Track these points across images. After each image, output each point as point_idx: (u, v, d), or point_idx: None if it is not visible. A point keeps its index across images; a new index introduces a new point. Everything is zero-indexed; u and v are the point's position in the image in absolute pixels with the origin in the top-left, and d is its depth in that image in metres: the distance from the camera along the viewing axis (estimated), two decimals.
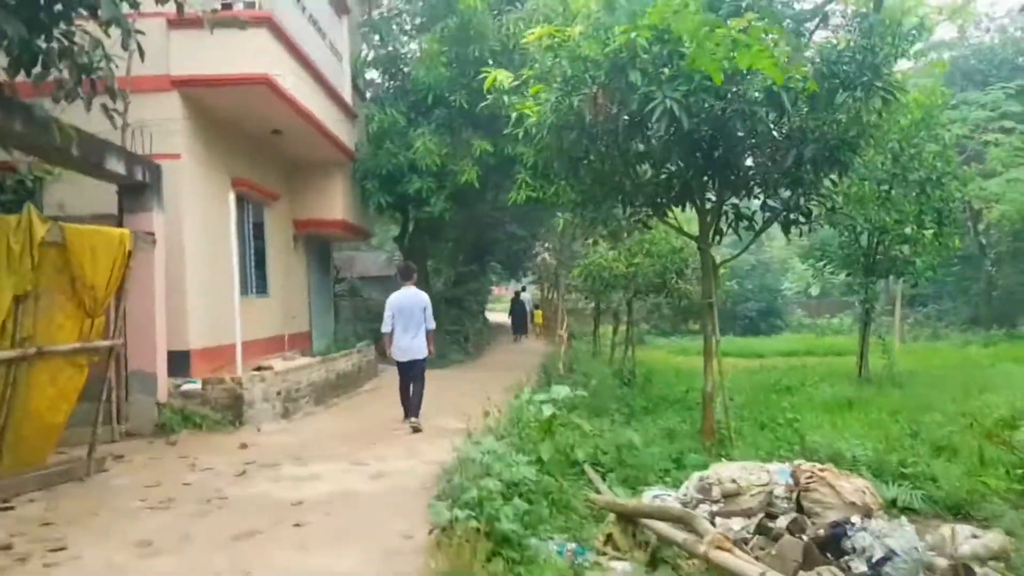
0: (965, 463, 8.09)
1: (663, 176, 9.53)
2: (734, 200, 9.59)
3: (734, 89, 7.46)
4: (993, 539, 5.24)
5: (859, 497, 5.51)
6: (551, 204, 12.04)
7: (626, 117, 8.00)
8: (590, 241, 13.00)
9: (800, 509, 5.75)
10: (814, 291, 40.90)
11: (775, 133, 8.48)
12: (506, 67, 10.42)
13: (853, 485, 5.61)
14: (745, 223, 9.55)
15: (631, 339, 15.32)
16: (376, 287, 25.34)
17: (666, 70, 7.52)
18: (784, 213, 9.34)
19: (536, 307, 32.43)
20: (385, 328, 9.75)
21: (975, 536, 5.30)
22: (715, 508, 5.81)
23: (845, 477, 5.74)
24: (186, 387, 9.84)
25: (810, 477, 5.74)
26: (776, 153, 8.55)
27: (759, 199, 9.57)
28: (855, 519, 5.16)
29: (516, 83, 9.10)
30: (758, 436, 9.92)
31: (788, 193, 9.11)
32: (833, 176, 8.91)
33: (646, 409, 11.59)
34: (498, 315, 35.81)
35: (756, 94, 7.38)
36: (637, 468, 7.37)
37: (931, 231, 13.35)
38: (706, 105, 7.58)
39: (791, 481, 5.90)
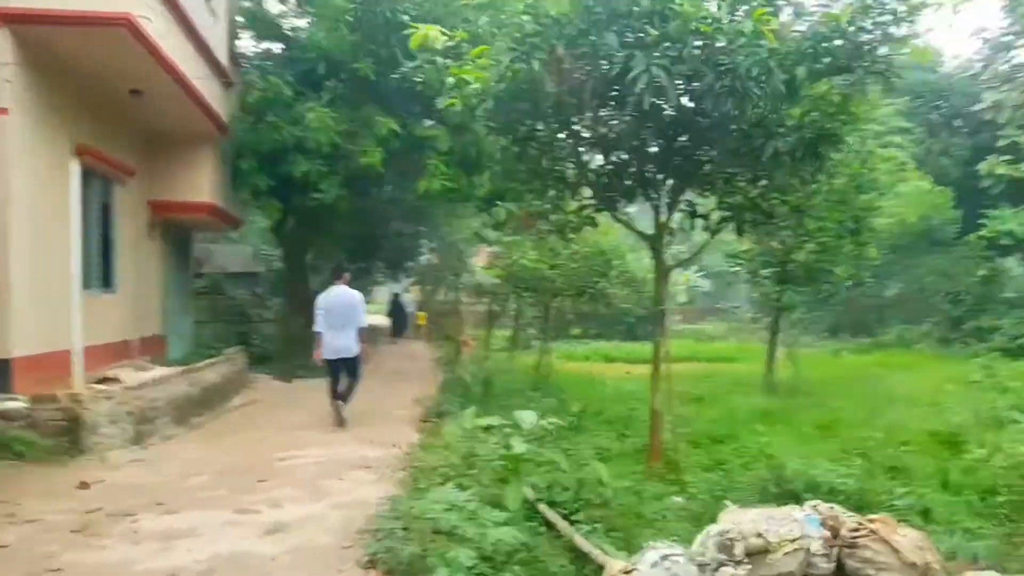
0: (931, 486, 7.46)
1: (615, 164, 8.31)
2: (691, 196, 8.54)
3: (726, 61, 6.32)
4: None
5: (919, 556, 4.47)
6: (466, 198, 10.53)
7: (594, 88, 6.67)
8: (509, 238, 11.69)
9: (841, 568, 4.65)
10: (681, 298, 41.74)
11: (746, 121, 7.45)
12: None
13: (910, 540, 4.55)
14: (702, 222, 8.52)
15: (546, 345, 14.09)
16: (242, 284, 22.68)
17: (651, 30, 6.26)
18: (744, 212, 8.40)
19: (419, 309, 31.15)
20: (316, 328, 9.87)
21: None
22: (741, 572, 4.58)
23: (897, 529, 4.68)
24: (6, 406, 7.63)
25: (856, 529, 4.64)
26: (747, 143, 7.53)
27: (713, 196, 8.59)
28: None
29: (451, 44, 7.54)
30: (708, 457, 8.94)
31: (756, 191, 8.15)
32: (805, 173, 8.04)
33: (573, 426, 10.37)
34: (373, 317, 34.04)
35: (752, 69, 6.28)
36: (609, 510, 6.05)
37: (850, 239, 13.10)
38: (704, 77, 6.37)
39: (825, 532, 4.78)
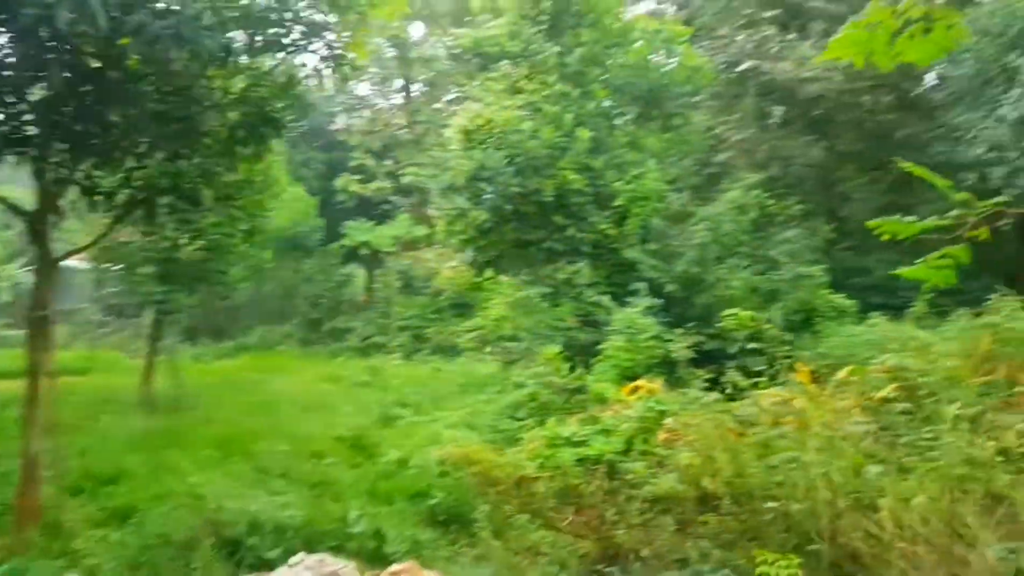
0: (359, 498, 7.32)
1: None
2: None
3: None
4: None
5: None
6: None
7: None
8: None
9: None
10: (4, 296, 34.40)
11: (178, 81, 5.99)
12: None
13: None
14: (105, 202, 6.52)
15: None
16: None
17: None
18: (161, 195, 6.79)
19: None
20: None
21: None
22: None
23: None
24: None
25: None
26: (181, 109, 6.05)
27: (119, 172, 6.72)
28: None
29: None
30: (99, 506, 6.93)
31: (174, 170, 6.63)
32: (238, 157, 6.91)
33: None
34: None
35: (202, 15, 4.88)
36: None
37: (243, 239, 12.32)
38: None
39: None
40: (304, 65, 6.59)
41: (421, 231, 24.11)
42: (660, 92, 12.76)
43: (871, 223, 4.80)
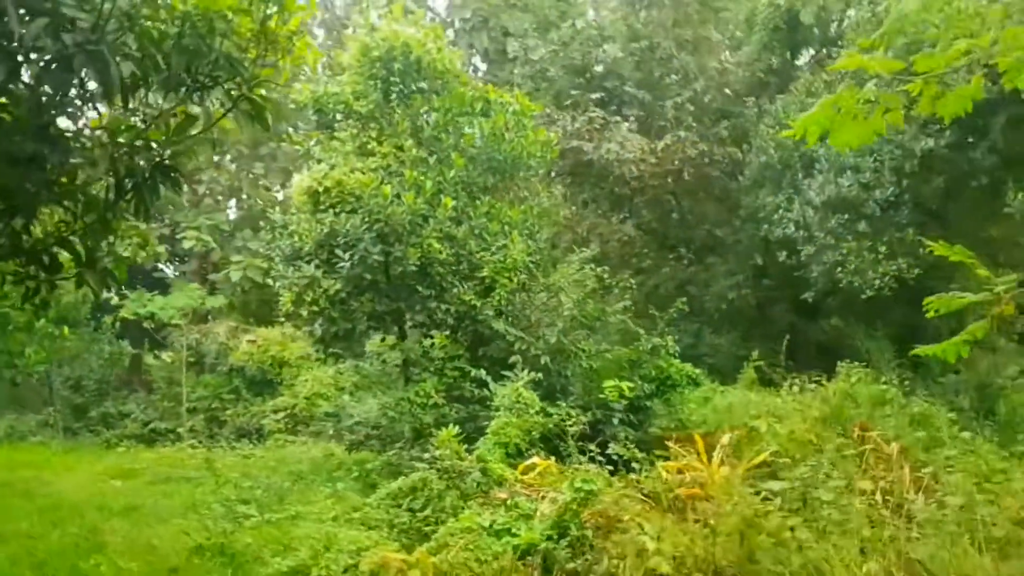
0: None
1: None
2: None
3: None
4: None
5: None
6: None
7: None
8: None
9: None
10: None
11: None
12: None
13: None
14: None
15: None
16: None
17: None
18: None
19: None
20: None
21: None
22: None
23: None
24: None
25: None
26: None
27: None
28: None
29: None
30: None
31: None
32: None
33: None
34: None
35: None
36: None
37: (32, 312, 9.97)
38: None
39: None
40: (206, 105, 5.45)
41: (217, 301, 21.71)
42: (514, 164, 12.79)
43: (928, 300, 5.03)
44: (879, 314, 14.12)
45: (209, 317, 23.33)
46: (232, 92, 5.21)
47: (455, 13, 25.41)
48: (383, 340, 13.24)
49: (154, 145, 5.33)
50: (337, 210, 11.55)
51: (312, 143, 13.07)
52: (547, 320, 11.95)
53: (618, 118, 17.69)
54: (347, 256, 11.24)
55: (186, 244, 23.10)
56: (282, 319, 14.45)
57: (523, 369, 10.59)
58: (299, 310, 11.68)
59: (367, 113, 12.62)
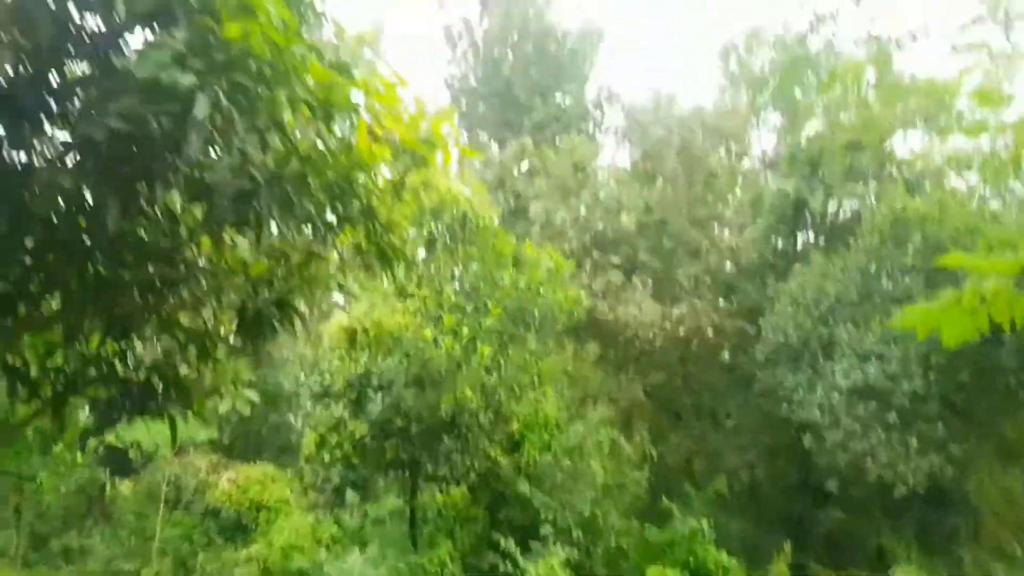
0: None
1: None
2: None
3: None
4: None
5: None
6: None
7: None
8: None
9: None
10: None
11: None
12: None
13: None
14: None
15: None
16: None
17: None
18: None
19: None
20: None
21: None
22: None
23: None
24: None
25: None
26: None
27: None
28: None
29: None
30: None
31: None
32: None
33: None
34: None
35: None
36: None
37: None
38: None
39: None
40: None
41: (204, 435, 20.75)
42: (546, 318, 12.85)
43: None
44: (904, 510, 13.75)
45: (191, 448, 22.21)
46: (366, 236, 5.24)
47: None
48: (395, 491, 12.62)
49: (277, 281, 5.28)
50: (373, 350, 11.39)
51: (351, 282, 13.09)
52: (572, 486, 11.49)
53: (637, 282, 18.11)
54: (379, 398, 10.94)
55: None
56: (303, 462, 13.72)
57: (554, 542, 10.01)
58: (322, 453, 11.18)
59: (411, 258, 12.79)
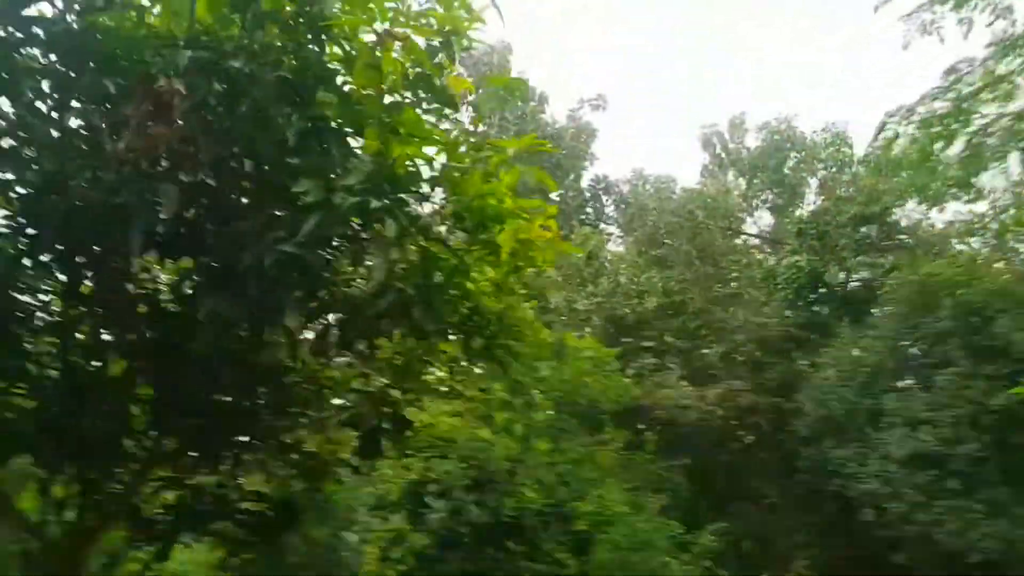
0: None
1: None
2: None
3: None
4: None
5: None
6: None
7: None
8: None
9: None
10: None
11: None
12: None
13: None
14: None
15: None
16: None
17: None
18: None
19: None
20: None
21: None
22: None
23: None
24: None
25: None
26: None
27: None
28: None
29: None
30: None
31: None
32: None
33: None
34: None
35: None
36: None
37: None
38: None
39: None
40: None
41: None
42: (594, 409, 12.62)
43: None
44: None
45: None
46: (487, 339, 5.15)
47: None
48: None
49: (392, 393, 5.14)
50: (427, 455, 11.03)
51: None
52: None
53: (672, 365, 17.97)
54: (439, 506, 10.53)
55: None
56: None
57: None
58: (385, 571, 10.63)
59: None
